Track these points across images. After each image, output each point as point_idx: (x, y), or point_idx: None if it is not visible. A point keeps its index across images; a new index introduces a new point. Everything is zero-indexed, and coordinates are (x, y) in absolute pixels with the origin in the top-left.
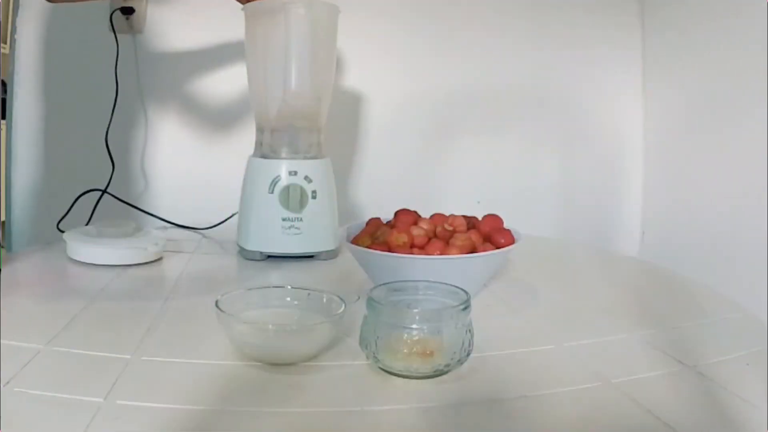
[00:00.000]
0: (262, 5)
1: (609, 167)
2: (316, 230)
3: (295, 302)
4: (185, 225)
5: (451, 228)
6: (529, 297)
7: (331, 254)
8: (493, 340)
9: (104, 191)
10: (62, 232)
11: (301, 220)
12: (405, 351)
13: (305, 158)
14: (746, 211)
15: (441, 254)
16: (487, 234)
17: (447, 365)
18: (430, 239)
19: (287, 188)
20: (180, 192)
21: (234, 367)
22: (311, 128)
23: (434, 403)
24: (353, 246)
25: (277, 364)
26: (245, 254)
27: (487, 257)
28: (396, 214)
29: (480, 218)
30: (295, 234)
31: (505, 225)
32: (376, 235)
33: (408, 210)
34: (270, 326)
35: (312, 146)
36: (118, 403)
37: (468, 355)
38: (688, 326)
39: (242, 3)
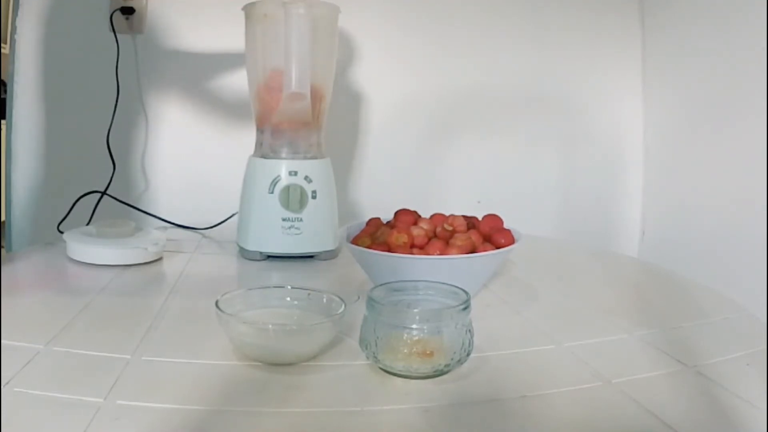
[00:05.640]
0: (262, 5)
1: (609, 167)
2: (316, 230)
3: (295, 302)
4: (185, 225)
5: (451, 228)
6: (529, 297)
7: (331, 254)
8: (493, 340)
9: (104, 193)
10: (62, 233)
11: (301, 220)
12: (405, 351)
13: (305, 158)
14: (746, 211)
15: (441, 254)
16: (487, 234)
17: (447, 365)
18: (430, 239)
19: (287, 188)
20: (180, 192)
21: (234, 367)
22: (311, 128)
23: (434, 403)
24: (353, 246)
25: (277, 364)
26: (245, 254)
27: (487, 257)
28: (396, 214)
29: (480, 218)
30: (295, 234)
31: (505, 225)
32: (376, 235)
33: (408, 210)
34: (270, 326)
35: (312, 146)
36: (118, 403)
37: (468, 355)
38: (688, 326)
39: None
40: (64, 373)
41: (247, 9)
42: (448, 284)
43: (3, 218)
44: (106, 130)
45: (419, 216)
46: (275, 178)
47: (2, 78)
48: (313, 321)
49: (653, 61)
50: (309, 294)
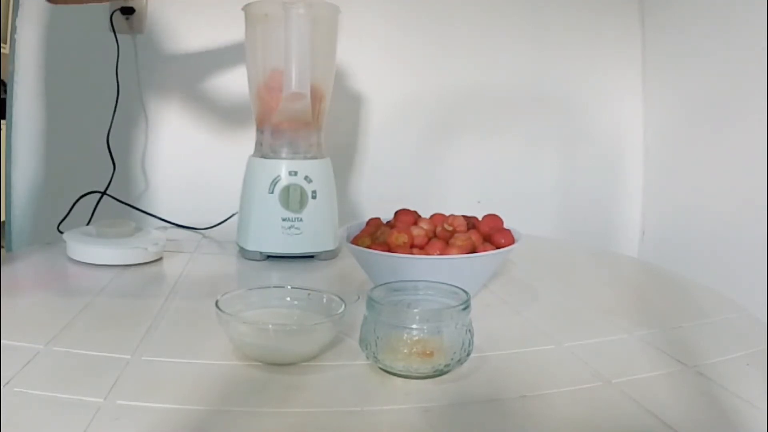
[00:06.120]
0: (262, 5)
1: (609, 167)
2: (316, 230)
3: (295, 302)
4: (185, 225)
5: (451, 228)
6: (529, 297)
7: (331, 254)
8: (493, 340)
9: (104, 193)
10: (62, 233)
11: (301, 220)
12: (405, 351)
13: (305, 158)
14: (746, 211)
15: (441, 254)
16: (487, 234)
17: (447, 365)
18: (430, 239)
19: (287, 188)
20: (180, 192)
21: (234, 367)
22: (311, 128)
23: (434, 403)
24: (353, 246)
25: (277, 364)
26: (245, 254)
27: (487, 257)
28: (396, 214)
29: (480, 218)
30: (295, 234)
31: (505, 225)
32: (376, 235)
33: (408, 210)
34: (270, 326)
35: (312, 146)
36: (118, 403)
37: (468, 355)
38: (688, 326)
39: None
40: (64, 373)
41: (247, 9)
42: (448, 284)
43: (3, 218)
44: (106, 130)
45: (419, 216)
46: (275, 178)
47: (2, 78)
48: (313, 321)
49: (653, 61)
50: (309, 294)
